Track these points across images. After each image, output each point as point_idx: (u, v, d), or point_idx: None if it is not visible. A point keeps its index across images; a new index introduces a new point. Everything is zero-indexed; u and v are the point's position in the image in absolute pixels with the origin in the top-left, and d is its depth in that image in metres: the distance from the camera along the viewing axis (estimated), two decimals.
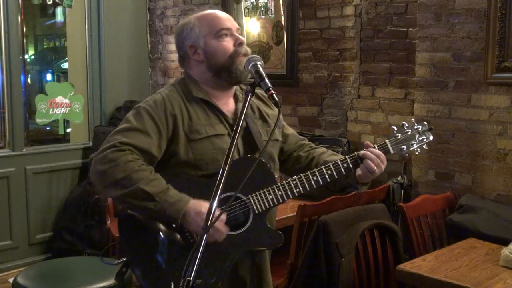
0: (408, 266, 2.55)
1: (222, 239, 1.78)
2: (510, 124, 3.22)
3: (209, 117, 1.92)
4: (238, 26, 1.99)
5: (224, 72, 1.92)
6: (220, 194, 1.60)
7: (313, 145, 2.17)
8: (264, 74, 1.76)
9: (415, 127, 2.03)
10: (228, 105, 1.99)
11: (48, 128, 5.16)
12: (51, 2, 4.69)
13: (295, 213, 2.96)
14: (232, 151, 1.58)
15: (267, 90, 1.72)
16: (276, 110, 2.09)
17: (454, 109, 3.43)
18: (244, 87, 2.01)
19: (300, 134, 4.19)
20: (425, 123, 2.05)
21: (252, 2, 4.66)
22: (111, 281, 2.89)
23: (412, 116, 3.67)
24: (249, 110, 1.99)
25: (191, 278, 1.34)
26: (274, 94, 1.71)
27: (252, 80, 1.78)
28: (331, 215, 2.86)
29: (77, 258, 3.95)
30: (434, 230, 3.25)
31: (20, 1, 4.50)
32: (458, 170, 3.43)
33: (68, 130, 5.04)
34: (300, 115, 4.42)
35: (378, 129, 3.97)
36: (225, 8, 4.82)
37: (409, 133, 2.01)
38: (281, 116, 2.09)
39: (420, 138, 2.02)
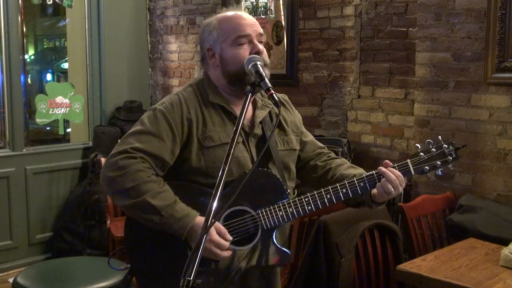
0: (408, 266, 2.55)
1: (224, 256, 1.73)
2: (510, 124, 3.22)
3: (225, 124, 1.87)
4: (260, 32, 1.88)
5: (238, 81, 1.85)
6: (230, 207, 1.63)
7: (332, 154, 2.10)
8: (264, 74, 1.73)
9: (441, 146, 1.89)
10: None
11: (48, 128, 5.16)
12: (51, 2, 4.69)
13: None
14: (232, 151, 1.55)
15: (267, 90, 1.70)
16: (297, 114, 2.09)
17: (454, 109, 3.43)
18: (264, 93, 1.94)
19: None
20: (453, 142, 1.92)
21: (252, 2, 4.66)
22: (111, 281, 2.89)
23: (412, 116, 3.68)
24: (267, 118, 1.94)
25: (191, 278, 1.33)
26: (274, 94, 1.68)
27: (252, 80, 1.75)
28: (331, 215, 2.86)
29: (77, 258, 3.95)
30: (434, 230, 3.25)
31: (20, 1, 4.51)
32: (458, 170, 3.43)
33: (68, 130, 5.04)
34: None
35: (378, 129, 3.96)
36: (225, 8, 4.81)
37: (434, 152, 1.88)
38: (300, 122, 2.08)
39: (445, 159, 1.88)
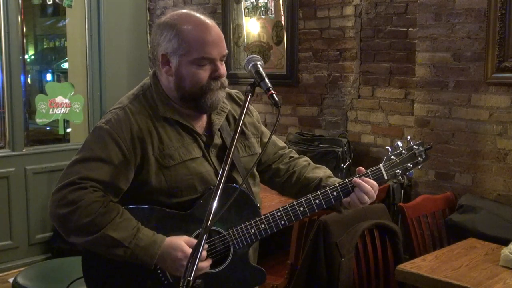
0: (408, 266, 2.56)
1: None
2: (510, 124, 3.22)
3: (182, 137, 1.75)
4: (225, 53, 1.73)
5: (191, 101, 1.73)
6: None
7: (294, 154, 2.02)
8: (264, 74, 1.68)
9: (412, 148, 1.87)
10: (200, 119, 1.80)
11: (48, 128, 5.16)
12: (51, 2, 4.69)
13: None
14: (232, 151, 1.53)
15: (267, 90, 1.66)
16: (254, 113, 1.97)
17: (454, 109, 3.43)
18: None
19: (300, 134, 4.23)
20: (421, 142, 1.91)
21: (252, 2, 4.66)
22: None
23: (412, 116, 3.68)
24: (225, 123, 1.83)
25: (191, 278, 1.33)
26: (274, 94, 1.65)
27: (252, 80, 1.69)
28: (331, 215, 2.85)
29: (77, 258, 3.92)
30: (434, 230, 3.25)
31: (20, 1, 4.50)
32: (458, 170, 3.43)
33: (68, 130, 5.03)
34: (300, 115, 4.42)
35: (378, 129, 3.97)
36: (225, 8, 4.82)
37: (405, 155, 1.85)
38: (258, 122, 1.96)
39: (416, 160, 1.86)
